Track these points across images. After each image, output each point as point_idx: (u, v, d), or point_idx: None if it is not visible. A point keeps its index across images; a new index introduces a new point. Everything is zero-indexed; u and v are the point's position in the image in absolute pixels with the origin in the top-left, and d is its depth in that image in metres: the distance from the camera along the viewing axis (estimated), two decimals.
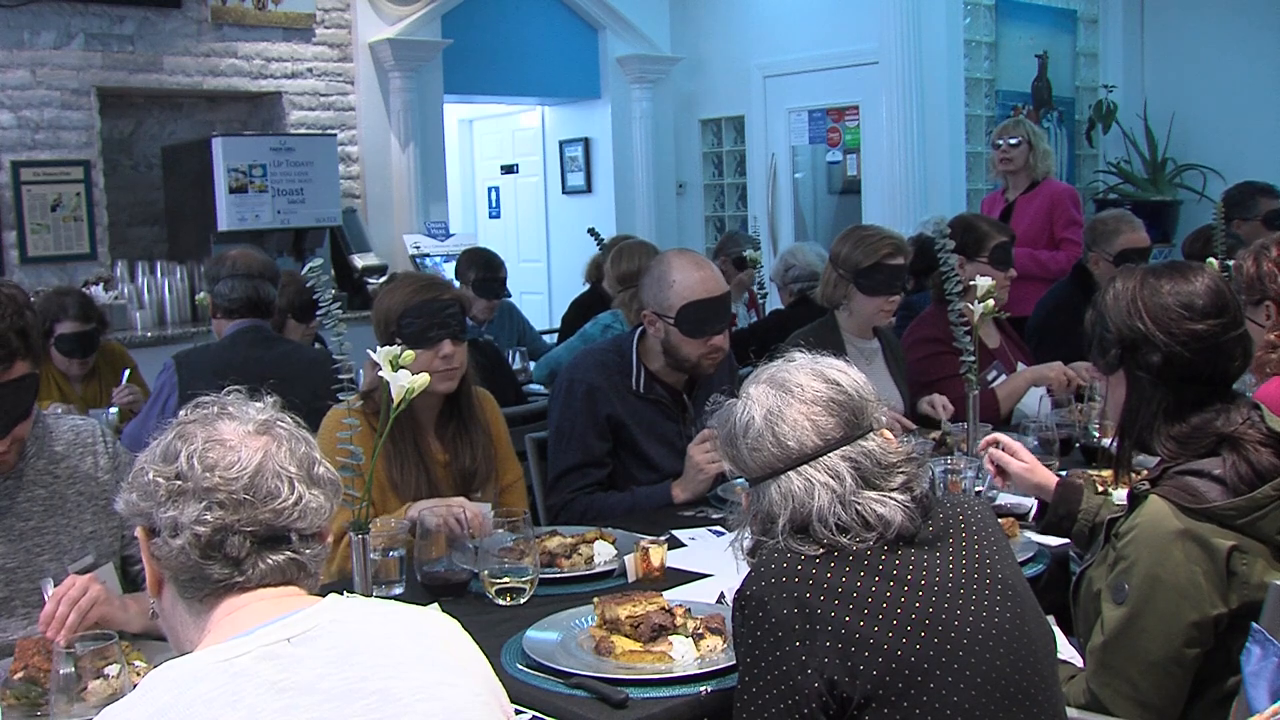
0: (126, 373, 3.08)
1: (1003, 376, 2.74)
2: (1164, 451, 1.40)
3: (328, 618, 0.93)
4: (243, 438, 0.97)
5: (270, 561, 0.95)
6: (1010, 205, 3.94)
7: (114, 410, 2.83)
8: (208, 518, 0.93)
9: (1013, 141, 3.89)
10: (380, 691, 0.89)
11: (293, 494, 0.96)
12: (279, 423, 1.01)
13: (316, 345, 3.18)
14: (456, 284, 3.55)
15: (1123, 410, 1.44)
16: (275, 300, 2.78)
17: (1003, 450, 1.73)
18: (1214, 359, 1.38)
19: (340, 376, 1.66)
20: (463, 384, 2.00)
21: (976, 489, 1.95)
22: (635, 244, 3.58)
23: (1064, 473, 1.83)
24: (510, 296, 4.07)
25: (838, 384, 1.20)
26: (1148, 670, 1.33)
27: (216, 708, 0.85)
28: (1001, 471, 1.74)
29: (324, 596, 0.97)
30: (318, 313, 1.69)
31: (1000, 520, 1.74)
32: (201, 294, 3.01)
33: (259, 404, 1.03)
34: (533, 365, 3.86)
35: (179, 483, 0.94)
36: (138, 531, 0.99)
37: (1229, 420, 1.37)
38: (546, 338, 4.43)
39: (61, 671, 1.22)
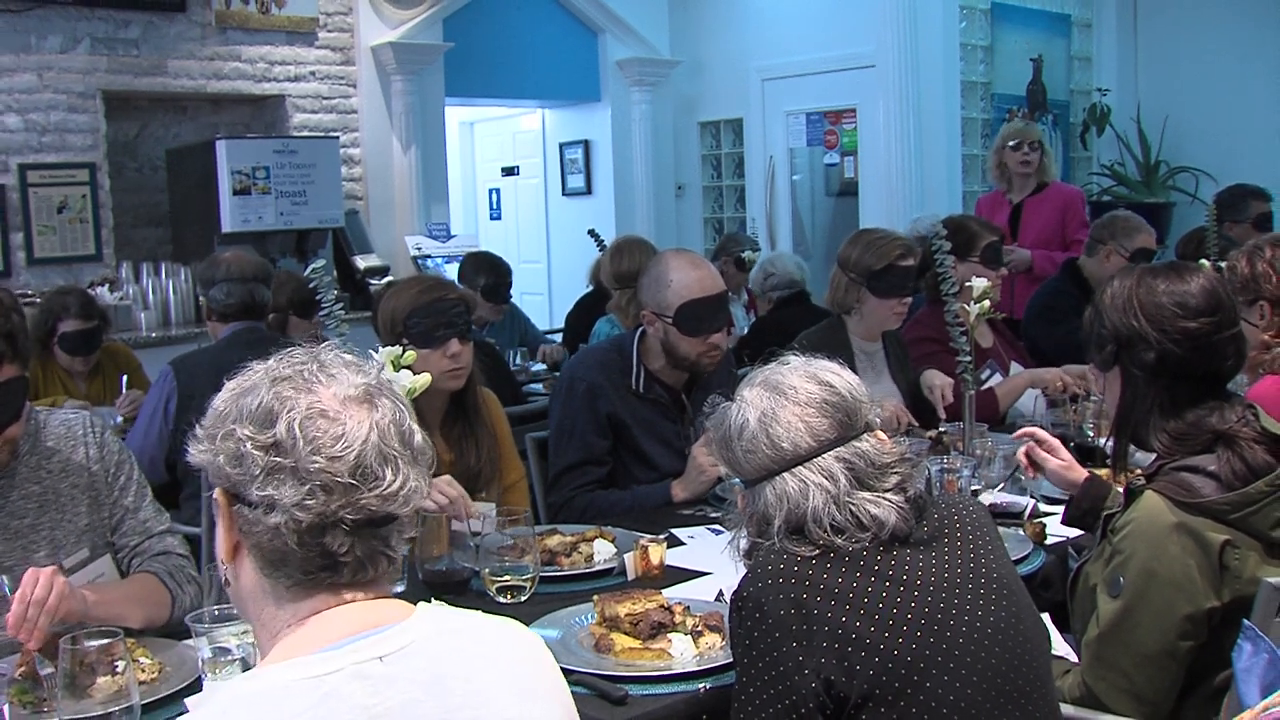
0: (125, 379, 3.07)
1: (997, 376, 2.77)
2: (1159, 448, 1.42)
3: (421, 635, 0.87)
4: (344, 406, 0.88)
5: (363, 552, 0.87)
6: (1018, 208, 3.94)
7: (119, 419, 2.84)
8: (309, 504, 0.84)
9: (1034, 145, 3.90)
10: None
11: (397, 477, 0.88)
12: (380, 390, 0.91)
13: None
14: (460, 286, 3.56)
15: (1118, 406, 1.45)
16: (270, 302, 2.77)
17: (1041, 446, 1.75)
18: (1207, 357, 1.40)
19: None
20: (468, 383, 2.01)
21: (973, 488, 1.97)
22: (635, 242, 3.57)
23: None
24: (511, 298, 4.09)
25: (831, 385, 1.21)
26: (1142, 663, 1.34)
27: None
28: (1034, 465, 1.76)
29: (413, 605, 0.92)
30: (320, 313, 1.71)
31: (1025, 524, 1.76)
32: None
33: (355, 361, 0.92)
34: (533, 365, 3.88)
35: (277, 458, 0.85)
36: (216, 493, 0.90)
37: (1223, 418, 1.38)
38: (548, 339, 4.44)
39: (63, 667, 1.21)
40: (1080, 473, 1.71)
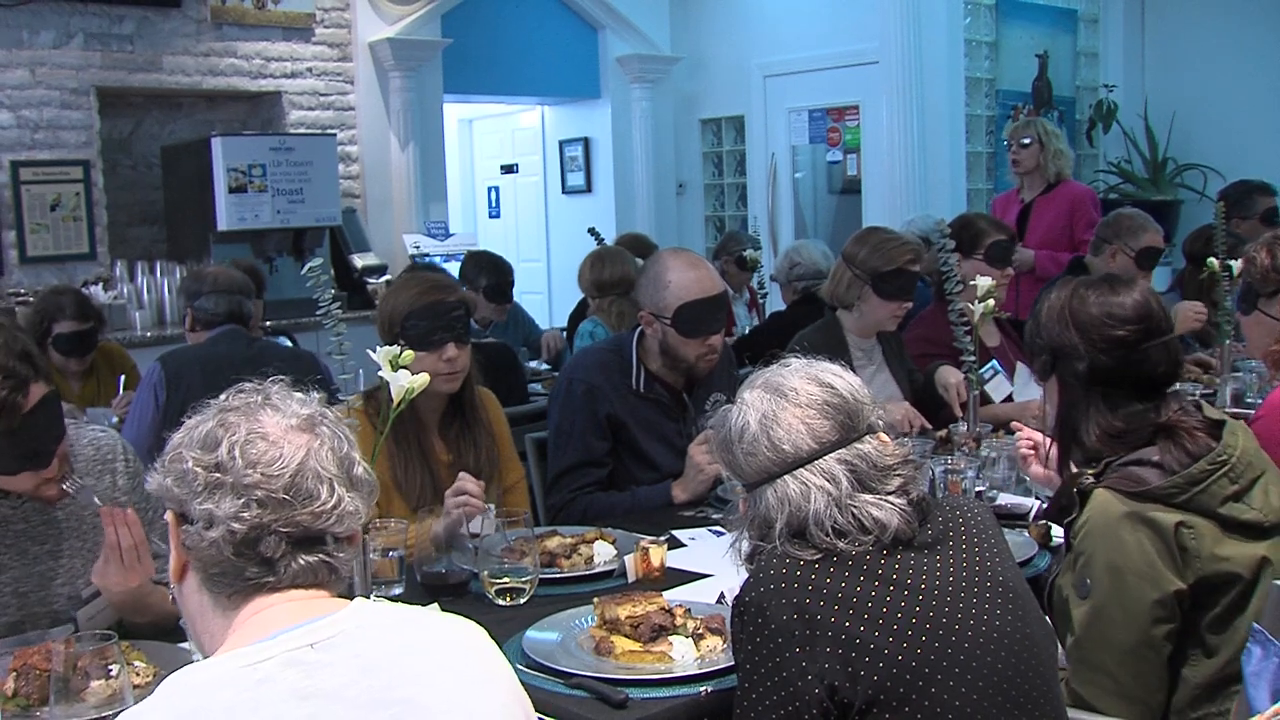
0: (123, 379, 3.08)
1: (1001, 374, 2.75)
2: (1103, 449, 1.44)
3: (353, 624, 0.92)
4: (285, 432, 0.95)
5: (303, 562, 0.93)
6: (1028, 206, 3.92)
7: (115, 419, 2.84)
8: (245, 515, 0.91)
9: (1024, 142, 3.87)
10: (407, 700, 0.88)
11: (332, 497, 0.94)
12: (323, 419, 0.98)
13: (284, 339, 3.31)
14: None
15: (1058, 413, 1.49)
16: (253, 315, 2.88)
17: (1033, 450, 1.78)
18: (1136, 365, 1.42)
19: (342, 375, 1.66)
20: (465, 384, 2.00)
21: (977, 489, 1.95)
22: (615, 251, 3.53)
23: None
24: (514, 298, 4.07)
25: (833, 387, 1.20)
26: (1123, 659, 1.34)
27: (238, 715, 0.83)
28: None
29: (350, 600, 0.96)
30: (317, 312, 1.69)
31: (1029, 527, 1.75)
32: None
33: (301, 395, 0.99)
34: (533, 365, 3.86)
35: (218, 475, 0.92)
36: (167, 515, 0.97)
37: (1160, 412, 1.41)
38: None
39: (58, 671, 1.22)
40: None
